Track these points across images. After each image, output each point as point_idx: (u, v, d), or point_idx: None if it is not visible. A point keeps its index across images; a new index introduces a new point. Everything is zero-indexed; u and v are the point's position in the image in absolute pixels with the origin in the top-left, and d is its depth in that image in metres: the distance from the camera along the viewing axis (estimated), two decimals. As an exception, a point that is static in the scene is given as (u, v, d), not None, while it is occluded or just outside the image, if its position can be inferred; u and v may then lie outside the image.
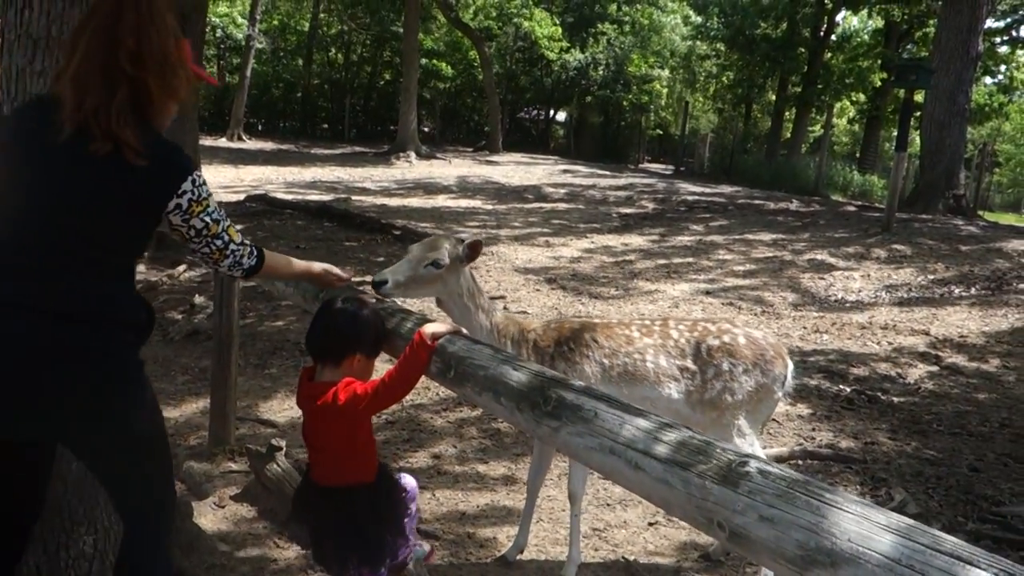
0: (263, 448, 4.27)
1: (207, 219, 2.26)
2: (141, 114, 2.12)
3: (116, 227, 2.14)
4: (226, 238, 2.34)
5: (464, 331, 2.52)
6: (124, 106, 2.05)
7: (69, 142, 2.03)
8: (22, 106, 2.35)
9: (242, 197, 14.56)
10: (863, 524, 1.30)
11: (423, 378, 2.46)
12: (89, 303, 2.10)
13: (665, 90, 36.01)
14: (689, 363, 3.49)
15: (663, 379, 3.46)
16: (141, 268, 8.49)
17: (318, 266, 2.79)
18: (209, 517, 3.96)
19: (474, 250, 3.20)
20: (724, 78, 34.36)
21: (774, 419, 5.41)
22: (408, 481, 2.88)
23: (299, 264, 2.72)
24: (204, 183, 2.24)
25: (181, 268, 9.39)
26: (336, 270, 2.83)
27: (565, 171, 23.66)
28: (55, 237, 2.07)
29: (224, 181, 17.25)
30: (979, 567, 1.17)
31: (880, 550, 1.25)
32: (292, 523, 2.80)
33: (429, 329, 2.41)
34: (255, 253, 2.46)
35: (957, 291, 9.27)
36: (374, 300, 2.77)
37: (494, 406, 2.17)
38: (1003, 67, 30.29)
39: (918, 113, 18.34)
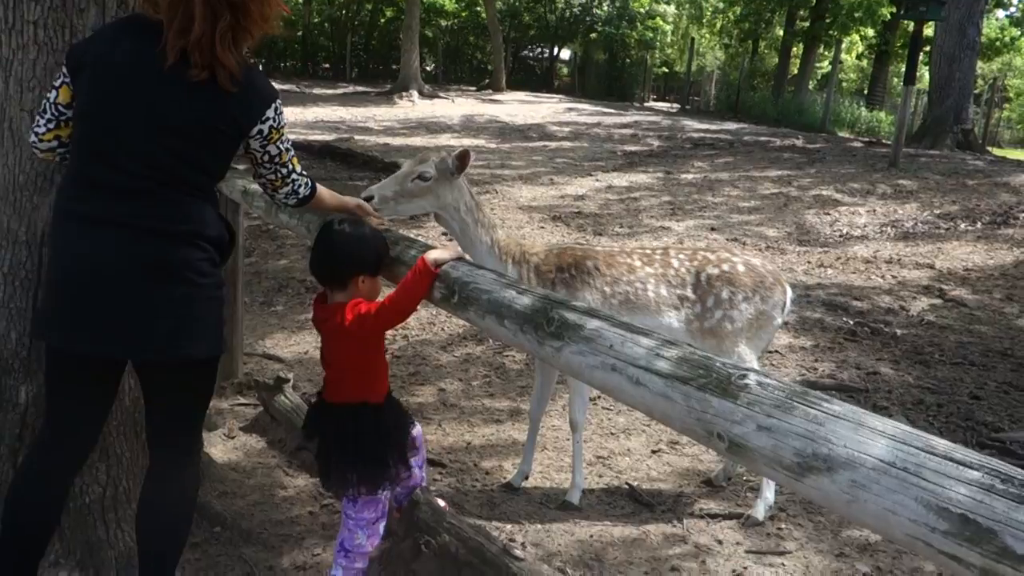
0: (271, 381, 4.33)
1: (281, 146, 2.37)
2: (240, 41, 2.17)
3: (210, 149, 2.21)
4: (290, 167, 2.45)
5: (467, 257, 2.54)
6: (226, 34, 2.10)
7: (172, 66, 2.07)
8: (113, 26, 2.33)
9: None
10: (859, 430, 1.32)
11: (428, 313, 2.50)
12: (185, 221, 2.17)
13: (670, 27, 35.49)
14: (689, 292, 3.52)
15: (663, 308, 3.50)
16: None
17: (352, 201, 2.83)
18: (219, 448, 4.03)
19: (463, 160, 3.21)
20: (731, 13, 33.75)
21: (777, 351, 5.45)
22: (414, 429, 2.94)
23: (338, 198, 2.78)
24: (282, 112, 2.33)
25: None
26: (368, 208, 2.86)
27: (569, 109, 23.43)
28: (154, 158, 2.12)
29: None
30: (971, 467, 1.19)
31: (875, 454, 1.28)
32: (303, 439, 2.87)
33: (432, 255, 2.41)
34: (309, 184, 2.56)
35: (963, 225, 9.24)
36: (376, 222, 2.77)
37: (498, 329, 2.19)
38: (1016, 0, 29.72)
39: (927, 47, 18.09)
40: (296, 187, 2.51)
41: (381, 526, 2.77)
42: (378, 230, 2.68)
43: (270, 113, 2.26)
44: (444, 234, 6.97)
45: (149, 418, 2.43)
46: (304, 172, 2.54)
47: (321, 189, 2.64)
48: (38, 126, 2.26)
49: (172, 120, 2.12)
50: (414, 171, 3.19)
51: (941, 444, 1.25)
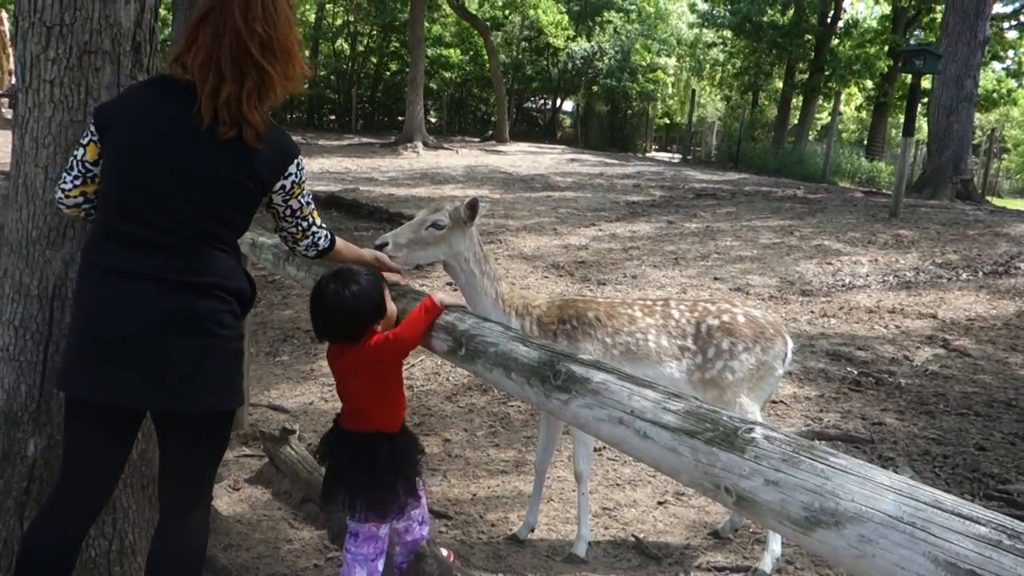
0: (276, 432, 4.33)
1: (302, 200, 2.47)
2: (265, 100, 2.25)
3: (235, 204, 2.28)
4: (311, 219, 2.55)
5: (468, 307, 2.61)
6: (253, 93, 2.20)
7: (206, 126, 2.17)
8: (143, 85, 2.45)
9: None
10: (866, 485, 1.34)
11: (433, 364, 2.55)
12: (209, 274, 2.23)
13: (671, 78, 35.95)
14: (690, 343, 3.55)
15: (664, 358, 3.53)
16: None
17: (369, 254, 2.92)
18: (224, 500, 4.02)
19: (472, 208, 3.26)
20: (731, 65, 34.23)
21: (782, 401, 5.45)
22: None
23: (355, 251, 2.86)
24: (303, 167, 2.43)
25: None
26: (385, 259, 2.96)
27: (572, 160, 23.64)
28: (183, 213, 2.18)
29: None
30: (979, 523, 1.20)
31: (883, 509, 1.29)
32: (317, 462, 2.92)
33: (439, 295, 2.55)
34: (329, 237, 2.64)
35: (964, 275, 9.27)
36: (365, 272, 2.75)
37: (505, 382, 2.21)
38: (1011, 52, 30.11)
39: (926, 99, 18.30)
40: (316, 239, 2.59)
41: (380, 564, 2.82)
42: (369, 276, 2.70)
43: (292, 169, 2.36)
44: (449, 283, 7.01)
45: (162, 470, 2.43)
46: (324, 224, 2.63)
47: (339, 241, 2.72)
48: (64, 183, 2.31)
49: (202, 177, 2.20)
50: (428, 219, 3.23)
51: (948, 499, 1.27)
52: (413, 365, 5.83)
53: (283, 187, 2.37)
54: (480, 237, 3.44)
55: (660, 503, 4.19)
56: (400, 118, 32.04)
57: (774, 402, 5.30)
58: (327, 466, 2.83)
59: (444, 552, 3.00)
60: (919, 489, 1.30)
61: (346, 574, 2.78)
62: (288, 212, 2.47)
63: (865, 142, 33.62)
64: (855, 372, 6.12)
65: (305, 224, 2.54)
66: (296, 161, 2.37)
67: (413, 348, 2.61)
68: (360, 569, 2.77)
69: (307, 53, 34.92)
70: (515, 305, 3.53)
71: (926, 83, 16.61)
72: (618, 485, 4.39)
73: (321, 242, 2.61)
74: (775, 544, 3.59)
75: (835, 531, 1.34)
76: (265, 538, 3.67)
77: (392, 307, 2.71)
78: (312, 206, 2.54)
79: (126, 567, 2.86)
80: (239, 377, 2.37)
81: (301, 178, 2.41)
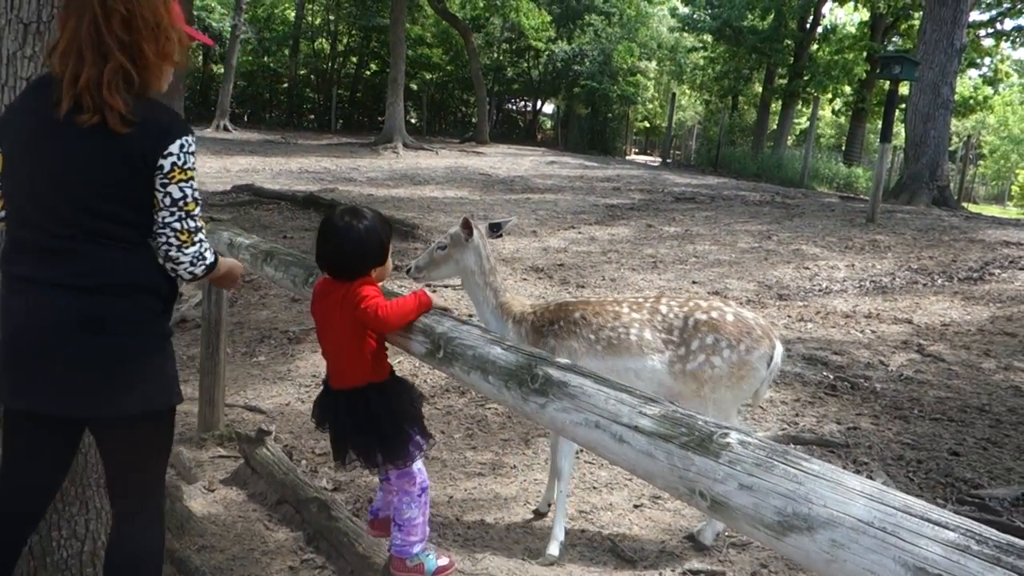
0: (252, 433, 4.30)
1: (186, 190, 2.19)
2: (135, 80, 2.13)
3: (118, 198, 2.15)
4: (199, 224, 2.25)
5: (454, 312, 2.64)
6: (116, 75, 2.08)
7: (66, 116, 2.07)
8: (26, 88, 2.39)
9: (229, 187, 14.53)
10: (838, 490, 1.35)
11: (411, 366, 2.56)
12: (112, 275, 2.16)
13: (652, 82, 36.05)
14: (675, 336, 3.62)
15: (646, 351, 3.61)
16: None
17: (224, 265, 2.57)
18: (199, 501, 3.99)
19: (464, 226, 3.68)
20: (711, 70, 34.43)
21: (759, 405, 5.48)
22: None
23: (232, 261, 2.63)
24: (192, 153, 2.21)
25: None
26: (239, 273, 2.66)
27: (552, 162, 23.68)
28: (68, 215, 2.11)
29: (210, 171, 17.18)
30: (947, 528, 1.22)
31: (854, 513, 1.30)
32: (314, 426, 2.93)
33: (430, 292, 2.63)
34: (212, 250, 2.35)
35: (939, 281, 9.36)
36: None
37: (482, 385, 2.22)
38: (988, 59, 30.48)
39: (903, 105, 18.47)
40: (203, 250, 2.27)
41: (426, 496, 2.86)
42: (378, 214, 2.75)
43: (173, 149, 2.15)
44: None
45: (106, 474, 2.42)
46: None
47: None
48: None
49: (70, 172, 2.11)
50: (436, 242, 3.77)
51: (918, 504, 1.28)
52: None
53: (161, 168, 2.14)
54: (491, 251, 3.78)
55: (636, 506, 4.21)
56: (380, 118, 31.96)
57: (750, 406, 5.33)
58: (329, 428, 2.84)
59: (445, 560, 2.99)
60: (889, 494, 1.31)
61: (396, 514, 2.84)
62: (168, 201, 2.17)
63: (843, 147, 33.90)
64: (831, 376, 6.17)
65: (191, 224, 2.22)
66: (180, 142, 2.16)
67: (391, 332, 2.64)
68: (407, 507, 2.82)
69: (287, 52, 34.56)
70: (513, 313, 3.77)
71: (903, 89, 16.73)
72: (594, 488, 4.40)
73: (208, 255, 2.29)
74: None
75: (807, 536, 1.35)
76: (240, 539, 3.65)
77: (390, 260, 2.77)
78: (199, 210, 2.25)
79: (98, 568, 2.84)
80: (164, 376, 2.29)
81: (185, 163, 2.17)
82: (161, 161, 2.14)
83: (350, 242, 2.64)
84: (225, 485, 4.20)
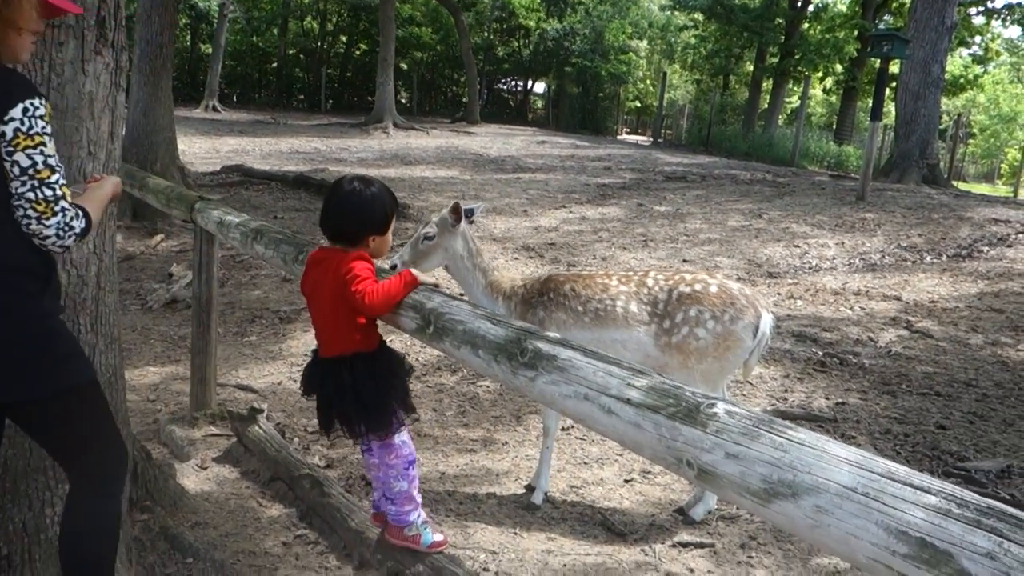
0: (244, 412, 4.32)
1: (36, 157, 2.07)
2: None
3: None
4: (59, 193, 2.11)
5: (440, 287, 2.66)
6: None
7: None
8: None
9: (218, 168, 14.47)
10: (823, 457, 1.37)
11: (402, 343, 2.57)
12: None
13: (643, 61, 35.96)
14: (659, 308, 3.66)
15: (632, 323, 3.66)
16: (118, 239, 8.48)
17: (109, 186, 2.48)
18: (192, 478, 4.01)
19: (454, 211, 3.67)
20: (702, 49, 34.31)
21: (748, 381, 5.51)
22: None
23: (99, 198, 2.43)
24: (41, 118, 2.08)
25: (159, 238, 9.36)
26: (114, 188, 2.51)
27: (543, 142, 23.62)
28: None
29: (200, 152, 17.11)
30: (929, 492, 1.24)
31: (839, 480, 1.32)
32: (302, 394, 2.94)
33: (415, 271, 2.61)
34: (82, 215, 2.21)
35: (928, 258, 9.40)
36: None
37: (472, 360, 2.23)
38: (978, 38, 30.44)
39: (894, 84, 18.47)
40: (68, 219, 2.14)
41: (413, 469, 2.89)
42: (387, 187, 2.77)
43: (15, 114, 2.04)
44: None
45: None
46: (76, 204, 2.21)
47: (91, 205, 2.31)
48: None
49: None
50: (420, 234, 3.69)
51: (901, 470, 1.30)
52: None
53: (3, 135, 2.03)
54: (473, 233, 3.82)
55: (626, 481, 4.24)
56: (370, 98, 31.81)
57: (740, 382, 5.37)
58: (316, 397, 2.85)
59: (440, 536, 3.02)
60: (873, 460, 1.33)
61: (386, 490, 2.88)
62: (17, 170, 2.05)
63: (834, 126, 33.90)
64: (820, 353, 6.21)
65: (48, 193, 2.08)
66: (23, 106, 2.04)
67: (379, 316, 2.65)
68: (395, 481, 2.86)
69: (276, 31, 34.22)
70: (502, 289, 3.84)
71: (894, 68, 16.76)
72: (585, 463, 4.43)
73: (76, 223, 2.16)
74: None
75: (792, 502, 1.37)
76: (233, 516, 3.67)
77: (390, 235, 2.78)
78: (60, 179, 2.12)
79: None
80: (58, 355, 2.21)
81: (30, 128, 2.05)
82: (2, 128, 2.03)
83: (352, 205, 2.66)
84: (218, 463, 4.21)
